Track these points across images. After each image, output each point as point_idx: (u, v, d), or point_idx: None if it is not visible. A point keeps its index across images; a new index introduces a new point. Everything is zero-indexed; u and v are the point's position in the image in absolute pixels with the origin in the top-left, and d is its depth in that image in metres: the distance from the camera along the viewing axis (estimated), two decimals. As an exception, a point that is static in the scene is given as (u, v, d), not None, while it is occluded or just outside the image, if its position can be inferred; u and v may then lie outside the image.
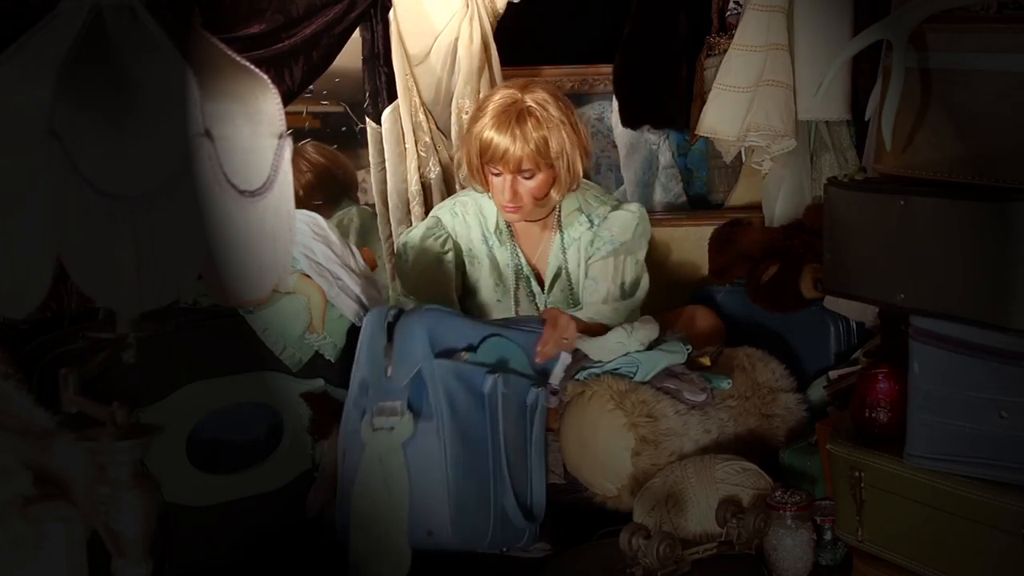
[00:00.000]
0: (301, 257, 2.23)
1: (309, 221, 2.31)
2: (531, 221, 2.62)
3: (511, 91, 2.49)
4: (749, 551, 1.95)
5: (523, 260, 2.63)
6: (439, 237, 2.58)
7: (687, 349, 2.31)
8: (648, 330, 2.31)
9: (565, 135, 2.46)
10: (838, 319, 2.60)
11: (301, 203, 3.11)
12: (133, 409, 1.45)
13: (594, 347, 2.29)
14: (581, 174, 2.54)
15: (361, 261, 2.37)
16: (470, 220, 2.60)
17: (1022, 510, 1.66)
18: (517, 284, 2.61)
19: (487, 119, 2.45)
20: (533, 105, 2.44)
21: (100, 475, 1.42)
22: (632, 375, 2.23)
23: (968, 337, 1.71)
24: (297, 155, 3.11)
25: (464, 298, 2.64)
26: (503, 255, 2.61)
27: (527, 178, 2.46)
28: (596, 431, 2.15)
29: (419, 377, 1.98)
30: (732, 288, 2.81)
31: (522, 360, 2.17)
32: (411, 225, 2.79)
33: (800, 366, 2.54)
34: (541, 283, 2.64)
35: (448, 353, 2.04)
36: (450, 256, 2.57)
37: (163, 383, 2.02)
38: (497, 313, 2.59)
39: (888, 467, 1.85)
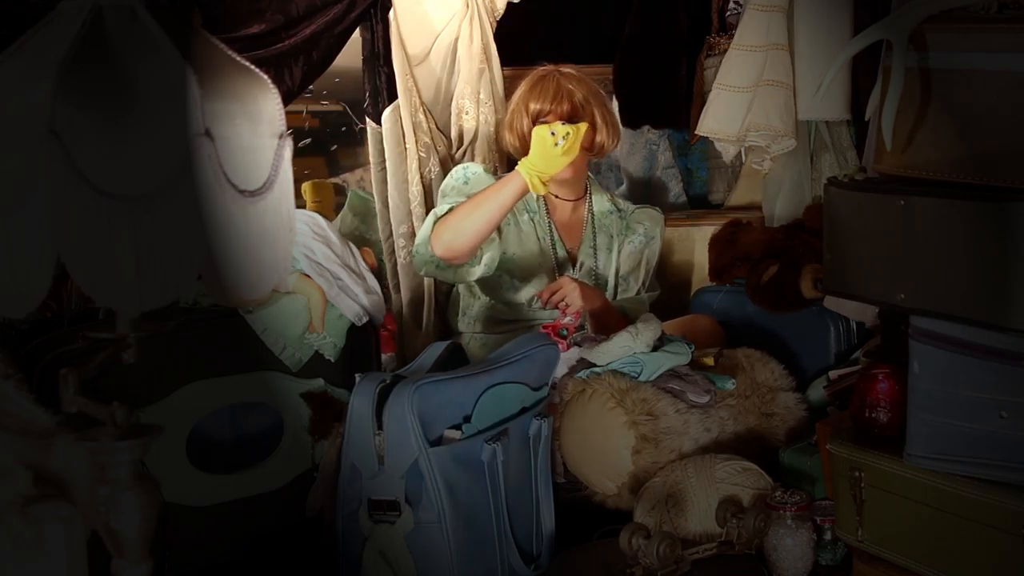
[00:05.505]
0: (301, 257, 2.23)
1: (309, 221, 2.31)
2: (565, 200, 2.81)
3: (545, 66, 2.75)
4: (749, 551, 1.95)
5: (557, 235, 2.79)
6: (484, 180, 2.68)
7: (691, 349, 2.31)
8: (652, 331, 2.31)
9: (600, 96, 2.73)
10: (838, 319, 2.60)
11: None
12: (133, 409, 1.44)
13: (599, 354, 2.28)
14: (619, 136, 2.79)
15: (361, 261, 2.37)
16: None
17: (1022, 510, 1.66)
18: (553, 254, 2.77)
19: (532, 83, 2.70)
20: (571, 70, 2.72)
21: (100, 475, 1.42)
22: (636, 376, 2.23)
23: (968, 337, 1.71)
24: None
25: (509, 266, 2.72)
26: (542, 227, 2.76)
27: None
28: (596, 429, 2.15)
29: (415, 466, 1.87)
30: (732, 288, 2.82)
31: (522, 393, 2.06)
32: (412, 225, 2.80)
33: (800, 366, 2.54)
34: (572, 258, 2.80)
35: (443, 437, 1.92)
36: None
37: (163, 383, 2.02)
38: (537, 280, 2.73)
39: (888, 467, 1.85)
